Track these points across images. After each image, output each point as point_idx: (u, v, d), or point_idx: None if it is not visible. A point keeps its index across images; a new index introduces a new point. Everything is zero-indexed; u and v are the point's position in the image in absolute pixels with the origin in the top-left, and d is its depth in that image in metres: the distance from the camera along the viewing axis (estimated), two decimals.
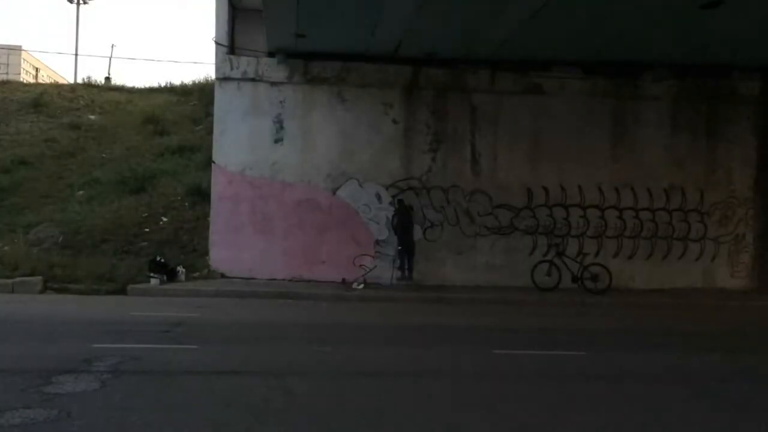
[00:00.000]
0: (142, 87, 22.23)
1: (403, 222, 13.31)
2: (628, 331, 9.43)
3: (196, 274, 13.20)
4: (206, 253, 13.70)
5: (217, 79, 13.99)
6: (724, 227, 14.54)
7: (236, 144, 13.72)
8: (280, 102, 13.80)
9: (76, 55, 26.45)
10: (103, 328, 7.93)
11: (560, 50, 13.08)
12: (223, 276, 13.39)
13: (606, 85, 14.25)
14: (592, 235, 14.22)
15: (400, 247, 13.22)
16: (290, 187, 13.78)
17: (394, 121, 13.99)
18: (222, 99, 13.87)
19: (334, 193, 13.83)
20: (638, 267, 14.27)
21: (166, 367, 6.03)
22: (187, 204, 14.98)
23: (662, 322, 10.52)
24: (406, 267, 13.13)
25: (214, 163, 13.91)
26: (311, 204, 13.77)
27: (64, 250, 13.18)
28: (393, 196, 13.72)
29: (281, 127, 13.79)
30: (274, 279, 13.38)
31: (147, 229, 14.27)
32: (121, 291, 11.64)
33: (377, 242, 13.82)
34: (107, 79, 24.99)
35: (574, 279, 13.35)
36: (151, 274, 12.27)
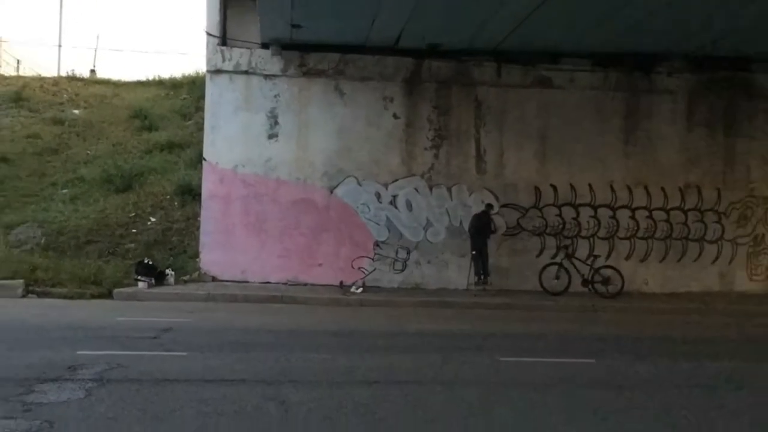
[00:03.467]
0: (129, 80, 22.19)
1: (477, 227, 13.33)
2: (641, 338, 9.43)
3: (186, 277, 13.25)
4: (196, 255, 13.72)
5: (208, 71, 14.00)
6: (743, 228, 14.55)
7: (228, 140, 13.74)
8: (275, 96, 13.80)
9: (60, 46, 26.36)
10: (88, 334, 7.95)
11: (570, 41, 13.08)
12: (214, 279, 13.42)
13: (618, 78, 14.27)
14: (603, 236, 14.23)
15: (473, 252, 13.31)
16: (285, 186, 13.79)
17: (395, 116, 14.00)
18: (213, 93, 13.87)
19: (331, 191, 13.84)
20: (652, 269, 14.29)
21: (154, 374, 6.03)
22: (176, 203, 14.99)
23: (677, 328, 10.52)
24: (481, 271, 13.22)
25: (204, 160, 13.92)
26: (307, 203, 13.78)
27: (47, 252, 13.19)
28: (485, 203, 13.61)
29: (276, 123, 13.80)
30: (268, 282, 13.41)
31: (134, 230, 14.29)
32: (107, 295, 11.66)
33: (376, 243, 13.84)
34: (92, 71, 24.91)
35: (585, 282, 13.35)
36: (139, 277, 12.29)
